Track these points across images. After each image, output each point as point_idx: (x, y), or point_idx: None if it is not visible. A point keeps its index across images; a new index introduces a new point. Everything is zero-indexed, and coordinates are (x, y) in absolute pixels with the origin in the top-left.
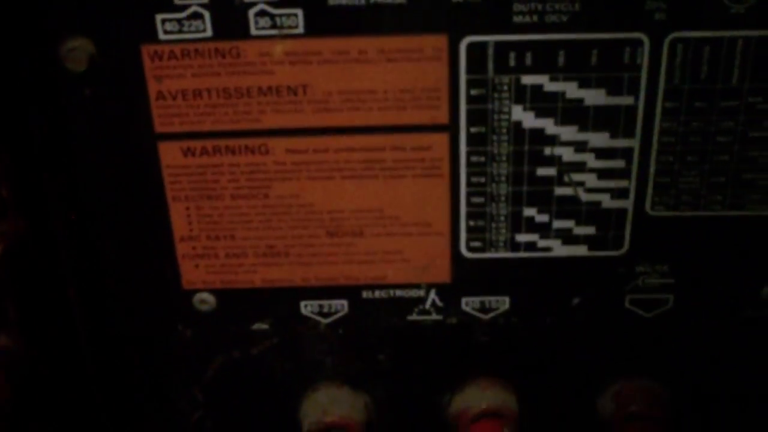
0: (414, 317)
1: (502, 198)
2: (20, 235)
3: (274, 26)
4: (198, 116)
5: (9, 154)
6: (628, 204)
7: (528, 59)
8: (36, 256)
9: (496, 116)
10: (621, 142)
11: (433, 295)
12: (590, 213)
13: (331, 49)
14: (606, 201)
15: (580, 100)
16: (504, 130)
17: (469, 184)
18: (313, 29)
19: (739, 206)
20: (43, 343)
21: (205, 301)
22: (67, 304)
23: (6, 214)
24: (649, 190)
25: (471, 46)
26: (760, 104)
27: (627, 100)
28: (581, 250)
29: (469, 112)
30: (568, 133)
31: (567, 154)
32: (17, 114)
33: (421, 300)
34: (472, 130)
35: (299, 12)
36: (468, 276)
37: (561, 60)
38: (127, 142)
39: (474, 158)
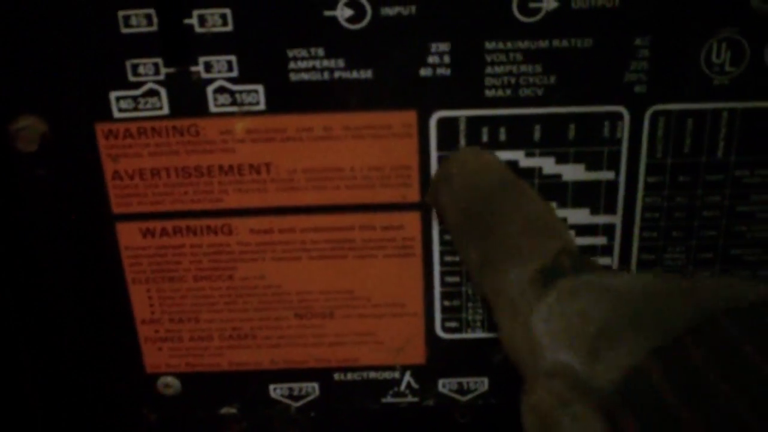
0: (389, 400)
1: None
2: None
3: (234, 103)
4: (157, 196)
5: None
6: None
7: (502, 134)
8: None
9: None
10: (602, 219)
11: (408, 377)
12: None
13: (295, 126)
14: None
15: (558, 176)
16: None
17: (442, 263)
18: (275, 106)
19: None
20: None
21: (170, 385)
22: (25, 392)
23: None
24: (633, 268)
25: (441, 122)
26: (747, 178)
27: (607, 175)
28: None
29: None
30: None
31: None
32: None
33: (396, 382)
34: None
35: (260, 88)
36: (444, 357)
37: (537, 135)
38: (83, 223)
39: (447, 237)
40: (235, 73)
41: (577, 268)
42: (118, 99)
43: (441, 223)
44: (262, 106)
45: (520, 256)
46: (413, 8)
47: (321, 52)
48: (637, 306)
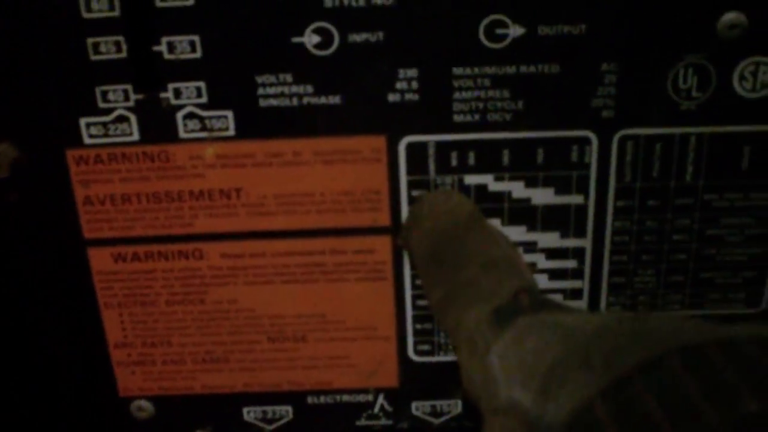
0: (363, 422)
1: None
2: None
3: (204, 129)
4: (128, 221)
5: None
6: (582, 304)
7: (471, 159)
8: None
9: None
10: (572, 242)
11: (381, 399)
12: None
13: (264, 151)
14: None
15: (527, 200)
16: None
17: (414, 287)
18: (245, 131)
19: (698, 305)
20: None
21: (143, 408)
22: None
23: None
24: (604, 291)
25: (410, 147)
26: (716, 201)
27: (576, 199)
28: None
29: None
30: (516, 233)
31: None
32: None
33: (370, 405)
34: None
35: (229, 114)
36: (417, 380)
37: (506, 159)
38: (55, 248)
39: None
40: (204, 99)
41: (535, 307)
42: (88, 125)
43: (412, 264)
44: (231, 132)
45: (479, 295)
46: (381, 35)
47: (289, 78)
48: (588, 345)
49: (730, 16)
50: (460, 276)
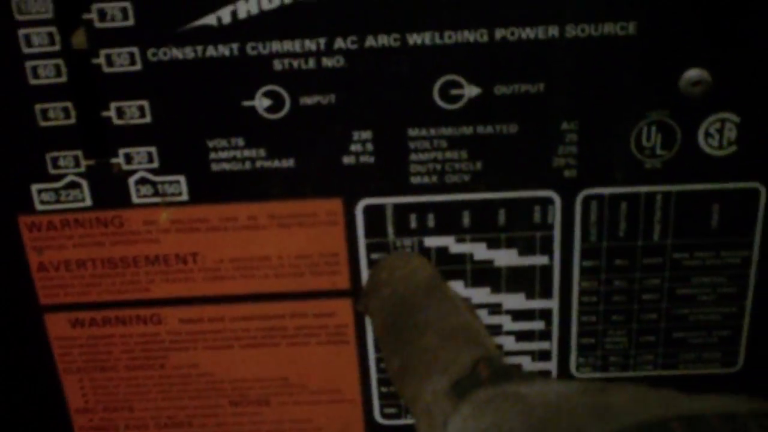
0: None
1: None
2: None
3: (156, 194)
4: (84, 287)
5: None
6: (551, 366)
7: (430, 221)
8: None
9: None
10: (538, 303)
11: None
12: None
13: (219, 216)
14: (527, 364)
15: (490, 261)
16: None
17: (377, 349)
18: (199, 196)
19: (671, 366)
20: None
21: None
22: None
23: None
24: (573, 352)
25: (368, 209)
26: (687, 260)
27: (541, 260)
28: None
29: None
30: (480, 295)
31: (480, 317)
32: None
33: None
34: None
35: (182, 179)
36: None
37: (466, 220)
38: (11, 315)
39: None
40: (156, 164)
41: (495, 378)
42: (39, 191)
43: (373, 329)
44: (185, 197)
45: (437, 367)
46: (333, 97)
47: (241, 142)
48: (547, 420)
49: (692, 73)
50: (418, 346)
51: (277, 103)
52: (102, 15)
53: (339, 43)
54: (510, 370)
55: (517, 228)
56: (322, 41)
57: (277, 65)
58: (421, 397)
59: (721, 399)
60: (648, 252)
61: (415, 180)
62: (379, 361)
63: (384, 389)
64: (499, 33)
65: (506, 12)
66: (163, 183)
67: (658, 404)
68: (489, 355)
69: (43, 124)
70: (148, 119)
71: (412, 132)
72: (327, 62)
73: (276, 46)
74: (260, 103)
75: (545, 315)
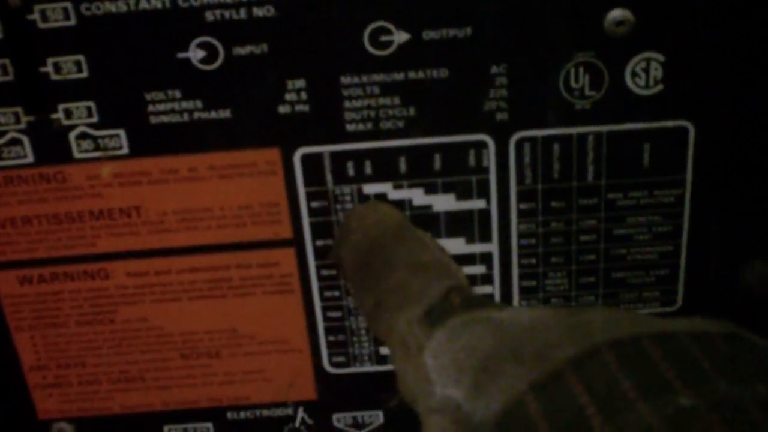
0: None
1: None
2: None
3: (97, 148)
4: (30, 243)
5: None
6: None
7: (367, 168)
8: None
9: None
10: (478, 248)
11: (301, 413)
12: None
13: (160, 168)
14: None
15: (429, 207)
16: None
17: (323, 298)
18: (139, 149)
19: (613, 306)
20: None
21: (64, 429)
22: None
23: None
24: (515, 295)
25: (306, 158)
26: (621, 200)
27: (479, 204)
28: None
29: (312, 225)
30: None
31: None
32: None
33: (290, 418)
34: (319, 243)
35: (121, 132)
36: (335, 392)
37: (402, 167)
38: None
39: (324, 272)
40: (95, 119)
41: (467, 305)
42: None
43: (344, 278)
44: (125, 150)
45: (410, 298)
46: (265, 47)
47: (178, 94)
48: (520, 339)
49: (615, 13)
50: (390, 281)
51: (211, 54)
52: None
53: None
54: (482, 298)
55: (453, 172)
56: None
57: (209, 16)
58: (395, 329)
59: (690, 320)
60: (583, 193)
61: (350, 127)
62: (325, 310)
63: (332, 338)
64: None
65: None
66: (103, 137)
67: (630, 323)
68: (460, 284)
69: None
70: (85, 74)
71: (345, 79)
72: (258, 12)
73: None
74: (194, 54)
75: (486, 259)
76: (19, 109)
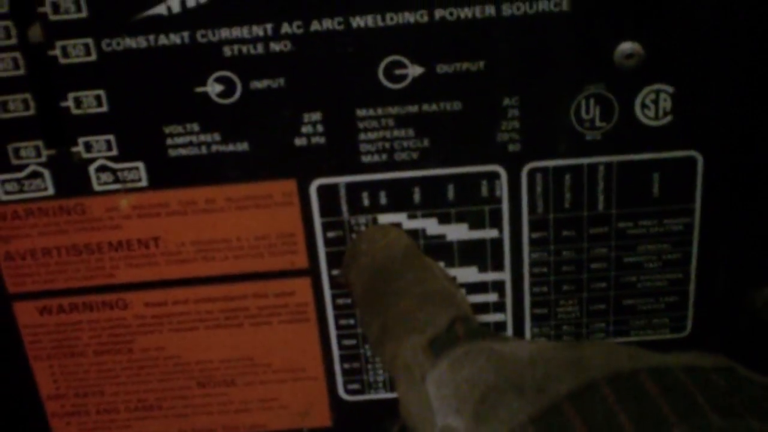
0: None
1: None
2: None
3: (116, 181)
4: (50, 274)
5: None
6: None
7: (382, 198)
8: None
9: None
10: (491, 276)
11: None
12: None
13: (178, 200)
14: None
15: (442, 236)
16: (338, 273)
17: (338, 327)
18: (157, 181)
19: (623, 333)
20: None
21: None
22: None
23: None
24: (527, 322)
25: (321, 189)
26: (631, 229)
27: (491, 233)
28: None
29: (328, 255)
30: None
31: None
32: None
33: None
34: (334, 272)
35: (140, 165)
36: (350, 419)
37: (417, 197)
38: None
39: (340, 301)
40: (114, 152)
41: (471, 336)
42: (3, 182)
43: (352, 300)
44: (144, 183)
45: (415, 326)
46: (282, 81)
47: (196, 127)
48: (521, 371)
49: (625, 46)
50: (396, 309)
51: (228, 89)
52: (55, 8)
53: (285, 27)
54: (485, 329)
55: (466, 203)
56: (269, 26)
57: (227, 51)
58: (399, 356)
59: (686, 354)
60: (593, 222)
61: (365, 159)
62: (340, 338)
63: (347, 365)
64: (438, 13)
65: None
66: (122, 170)
67: (627, 358)
68: (465, 315)
69: (3, 116)
70: (105, 108)
71: (360, 112)
72: (275, 47)
73: (225, 32)
74: (212, 88)
75: (498, 287)
76: (40, 143)
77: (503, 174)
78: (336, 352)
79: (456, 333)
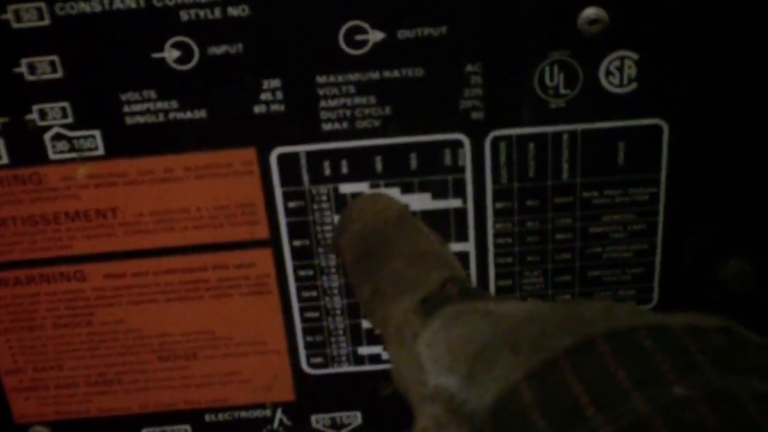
0: None
1: (338, 311)
2: None
3: (73, 149)
4: (6, 246)
5: None
6: None
7: (344, 167)
8: None
9: (318, 228)
10: (454, 247)
11: (279, 414)
12: None
13: (136, 169)
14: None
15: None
16: (329, 242)
17: (300, 299)
18: (114, 150)
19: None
20: None
21: None
22: None
23: None
24: (493, 293)
25: (282, 158)
26: (596, 198)
27: (455, 203)
28: None
29: (289, 225)
30: None
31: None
32: None
33: (268, 420)
34: (296, 243)
35: (97, 133)
36: (314, 393)
37: (379, 166)
38: None
39: (302, 272)
40: (70, 120)
41: (464, 296)
42: None
43: (343, 269)
44: (101, 151)
45: (407, 287)
46: (240, 46)
47: (153, 94)
48: (517, 329)
49: (589, 12)
50: (388, 270)
51: (186, 54)
52: None
53: None
54: (479, 290)
55: (429, 172)
56: None
57: (184, 16)
58: (391, 318)
59: (685, 315)
60: (558, 191)
61: (326, 127)
62: (302, 310)
63: (309, 339)
64: None
65: None
66: (78, 138)
67: (626, 316)
68: (458, 275)
69: None
70: (59, 74)
71: (320, 79)
72: (233, 11)
73: None
74: (170, 54)
75: (462, 258)
76: None
77: (466, 142)
78: (299, 325)
79: (449, 293)
